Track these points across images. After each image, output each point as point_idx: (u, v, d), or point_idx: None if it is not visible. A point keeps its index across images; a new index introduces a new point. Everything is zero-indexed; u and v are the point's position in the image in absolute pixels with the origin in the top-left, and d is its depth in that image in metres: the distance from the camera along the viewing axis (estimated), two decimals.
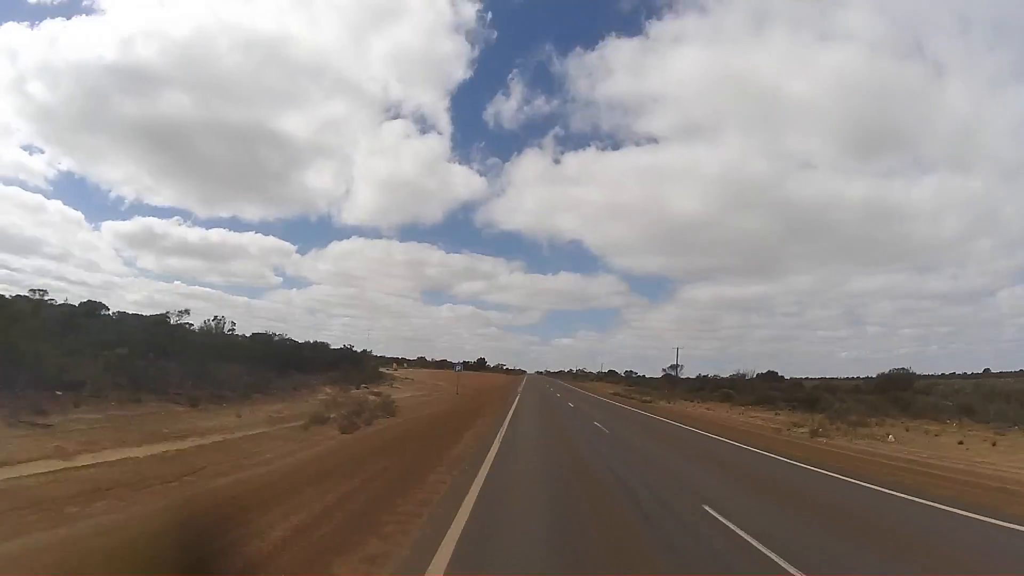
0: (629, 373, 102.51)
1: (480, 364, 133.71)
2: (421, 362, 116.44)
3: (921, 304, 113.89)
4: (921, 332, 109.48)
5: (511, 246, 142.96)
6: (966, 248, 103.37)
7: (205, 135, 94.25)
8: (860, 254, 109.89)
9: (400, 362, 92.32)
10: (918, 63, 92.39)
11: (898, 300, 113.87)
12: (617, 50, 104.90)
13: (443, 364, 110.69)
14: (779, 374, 57.13)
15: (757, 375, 52.17)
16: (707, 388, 51.11)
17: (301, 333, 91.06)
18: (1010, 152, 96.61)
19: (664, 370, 75.77)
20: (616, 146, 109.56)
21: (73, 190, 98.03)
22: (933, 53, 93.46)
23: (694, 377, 65.47)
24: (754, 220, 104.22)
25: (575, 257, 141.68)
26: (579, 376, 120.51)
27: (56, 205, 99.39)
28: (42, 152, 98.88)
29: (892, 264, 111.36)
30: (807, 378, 57.85)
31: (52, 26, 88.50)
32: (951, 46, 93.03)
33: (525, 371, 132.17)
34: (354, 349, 55.49)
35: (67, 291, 72.08)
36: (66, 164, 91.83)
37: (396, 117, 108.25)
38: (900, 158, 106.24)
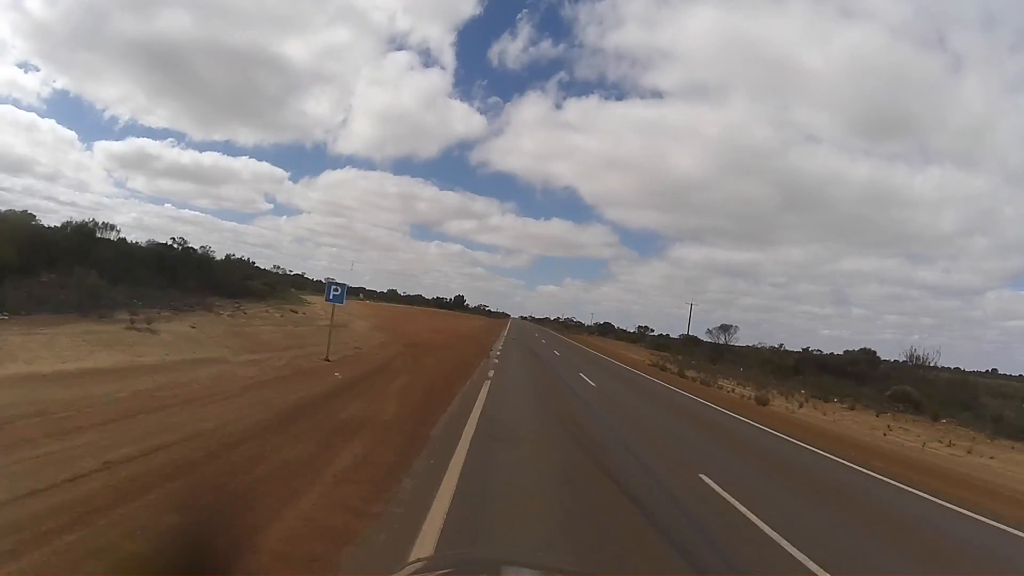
0: (645, 329, 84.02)
1: (458, 302, 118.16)
2: (392, 296, 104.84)
3: (908, 292, 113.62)
4: (905, 320, 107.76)
5: (505, 188, 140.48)
6: (961, 244, 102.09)
7: (204, 56, 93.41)
8: (854, 234, 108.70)
9: (362, 294, 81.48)
10: (937, 54, 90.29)
11: (886, 285, 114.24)
12: (631, 0, 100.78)
13: (416, 301, 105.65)
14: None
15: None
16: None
17: (288, 261, 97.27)
18: (1018, 155, 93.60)
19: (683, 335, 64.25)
20: (620, 97, 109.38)
21: (67, 109, 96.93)
22: (954, 46, 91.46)
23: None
24: (752, 186, 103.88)
25: (568, 204, 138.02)
26: (571, 327, 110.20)
27: (49, 124, 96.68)
28: (37, 70, 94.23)
29: (885, 249, 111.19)
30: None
31: None
32: (973, 42, 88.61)
33: (509, 315, 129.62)
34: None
35: (56, 211, 75.27)
36: (61, 82, 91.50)
37: (400, 48, 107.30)
38: (906, 145, 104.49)
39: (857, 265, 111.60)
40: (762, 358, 42.55)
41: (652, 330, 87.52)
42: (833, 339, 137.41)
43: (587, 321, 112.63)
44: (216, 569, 2.48)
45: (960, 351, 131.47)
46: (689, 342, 57.86)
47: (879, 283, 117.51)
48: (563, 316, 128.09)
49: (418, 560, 2.81)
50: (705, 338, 58.40)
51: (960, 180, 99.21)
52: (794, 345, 65.69)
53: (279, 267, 58.22)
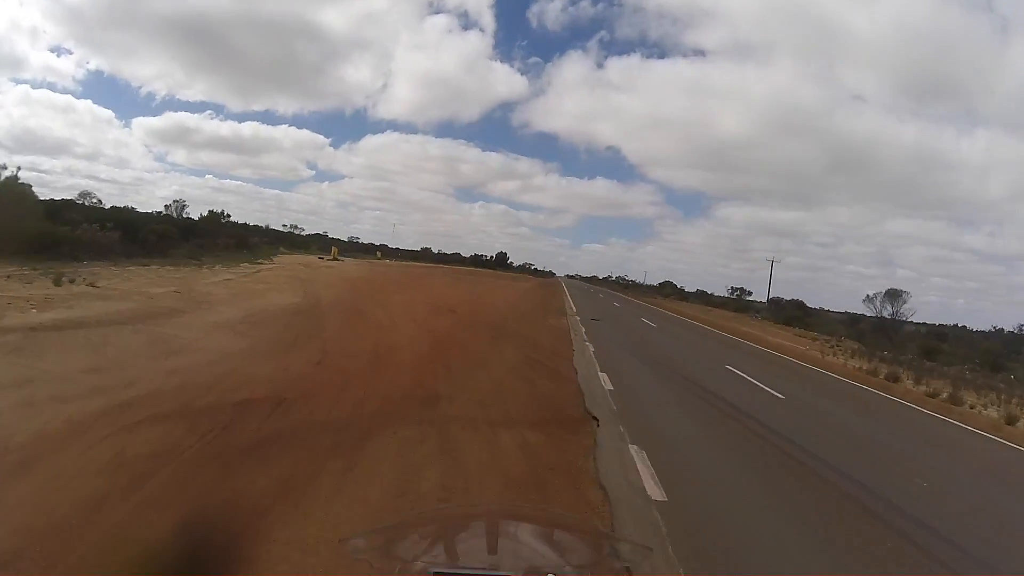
0: (740, 292, 65.28)
1: (500, 260, 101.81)
2: (424, 254, 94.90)
3: (953, 255, 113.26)
4: (951, 284, 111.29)
5: (548, 148, 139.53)
6: (1008, 208, 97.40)
7: (240, 28, 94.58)
8: (900, 196, 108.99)
9: (383, 251, 77.67)
10: (986, 16, 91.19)
11: (931, 248, 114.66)
12: None
13: (452, 260, 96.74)
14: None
15: None
16: None
17: (332, 227, 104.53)
18: None
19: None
20: (662, 55, 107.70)
21: (103, 89, 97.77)
22: (1003, 9, 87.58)
23: None
24: (798, 147, 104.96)
25: (612, 164, 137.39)
26: (629, 287, 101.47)
27: (86, 104, 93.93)
28: (71, 53, 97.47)
29: (931, 211, 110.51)
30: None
31: None
32: (1022, 5, 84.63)
33: (555, 274, 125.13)
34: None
35: (98, 189, 70.26)
36: (95, 63, 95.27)
37: (439, 12, 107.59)
38: (953, 107, 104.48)
39: (902, 227, 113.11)
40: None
41: (749, 292, 68.72)
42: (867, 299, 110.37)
43: (640, 279, 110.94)
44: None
45: (1004, 315, 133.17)
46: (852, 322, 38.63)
47: (924, 245, 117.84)
48: (614, 275, 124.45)
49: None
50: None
51: (1008, 144, 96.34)
52: (838, 306, 65.01)
53: (293, 226, 62.77)
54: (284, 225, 74.08)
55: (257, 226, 62.36)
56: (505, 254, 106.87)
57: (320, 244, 58.86)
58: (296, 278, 21.83)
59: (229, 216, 45.45)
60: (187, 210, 39.14)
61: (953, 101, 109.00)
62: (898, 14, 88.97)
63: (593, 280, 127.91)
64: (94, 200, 32.42)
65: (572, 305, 30.67)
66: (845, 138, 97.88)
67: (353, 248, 75.92)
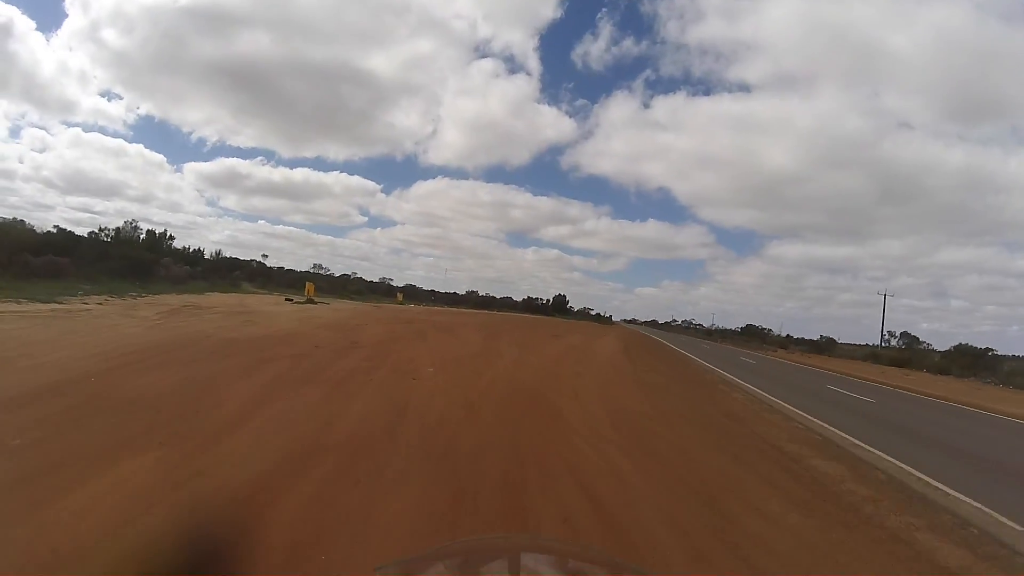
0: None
1: (558, 305, 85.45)
2: (468, 298, 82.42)
3: (1006, 282, 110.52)
4: (1004, 311, 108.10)
5: (598, 191, 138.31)
6: None
7: (287, 75, 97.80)
8: (952, 224, 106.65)
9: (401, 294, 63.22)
10: None
11: (985, 275, 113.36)
12: None
13: (500, 304, 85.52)
14: None
15: None
16: None
17: (383, 272, 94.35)
18: None
19: None
20: (707, 92, 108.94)
21: (154, 133, 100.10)
22: None
23: None
24: (847, 179, 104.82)
25: (663, 205, 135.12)
26: (712, 333, 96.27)
27: (137, 148, 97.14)
28: (120, 98, 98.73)
29: (983, 237, 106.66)
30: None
31: None
32: None
33: (612, 319, 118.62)
34: None
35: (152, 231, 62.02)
36: (145, 108, 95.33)
37: (484, 56, 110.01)
38: (999, 126, 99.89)
39: (954, 256, 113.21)
40: None
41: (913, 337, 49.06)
42: (933, 333, 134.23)
43: (708, 322, 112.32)
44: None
45: None
46: None
47: (977, 273, 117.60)
48: (675, 319, 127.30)
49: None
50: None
51: None
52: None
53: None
54: (313, 267, 67.41)
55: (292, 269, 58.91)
56: (564, 297, 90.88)
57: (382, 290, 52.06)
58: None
59: (173, 238, 32.06)
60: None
61: (999, 120, 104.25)
62: (937, 32, 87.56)
63: (654, 325, 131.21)
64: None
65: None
66: (893, 167, 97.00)
67: (376, 290, 61.91)
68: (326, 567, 2.78)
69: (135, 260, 22.47)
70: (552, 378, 10.88)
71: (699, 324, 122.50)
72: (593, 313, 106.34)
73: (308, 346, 11.31)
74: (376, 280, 72.79)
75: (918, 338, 54.23)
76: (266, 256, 64.34)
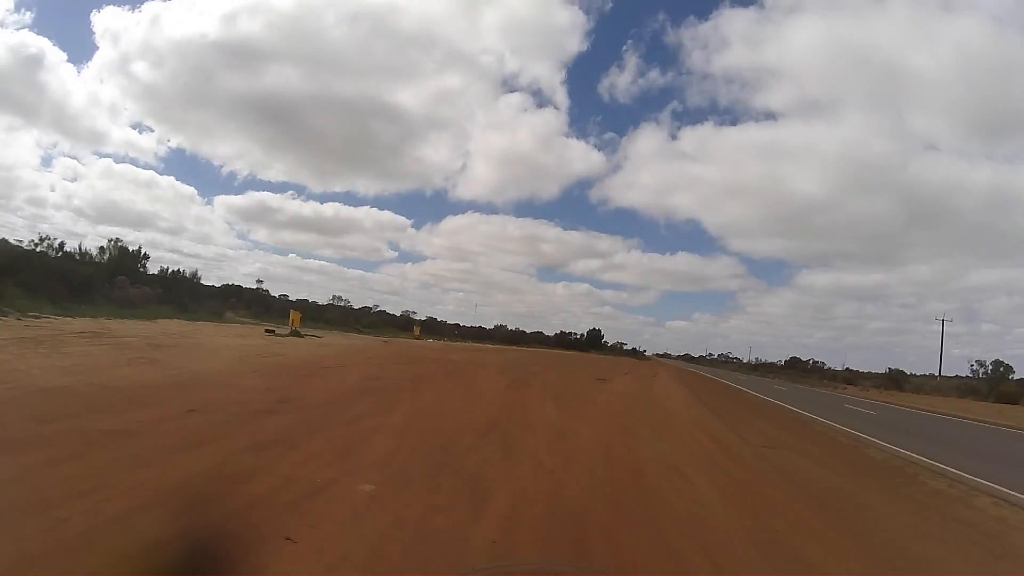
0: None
1: (593, 340, 79.66)
2: (496, 333, 76.90)
3: None
4: None
5: (628, 224, 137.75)
6: None
7: (316, 109, 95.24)
8: (980, 246, 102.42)
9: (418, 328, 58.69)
10: None
11: (1015, 297, 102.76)
12: (731, 20, 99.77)
13: (530, 340, 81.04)
14: None
15: None
16: None
17: (414, 306, 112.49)
18: None
19: None
20: (734, 122, 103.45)
21: (185, 166, 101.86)
22: None
23: None
24: (875, 204, 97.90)
25: (692, 237, 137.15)
26: (757, 367, 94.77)
27: (168, 180, 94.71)
28: (151, 131, 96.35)
29: (1012, 258, 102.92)
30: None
31: (152, 7, 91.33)
32: None
33: (646, 352, 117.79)
34: None
35: (181, 263, 78.19)
36: (176, 141, 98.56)
37: (513, 91, 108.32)
38: None
39: (984, 278, 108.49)
40: None
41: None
42: (963, 358, 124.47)
43: (743, 356, 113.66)
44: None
45: None
46: None
47: (1008, 295, 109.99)
48: (711, 352, 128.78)
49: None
50: None
51: None
52: (926, 368, 66.90)
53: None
54: (332, 298, 65.56)
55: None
56: (599, 332, 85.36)
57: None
58: None
59: (147, 257, 27.93)
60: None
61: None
62: (959, 49, 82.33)
63: (688, 359, 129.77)
64: None
65: None
66: (920, 191, 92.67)
67: (395, 324, 57.58)
68: None
69: (68, 275, 18.12)
70: (634, 484, 5.47)
71: (736, 357, 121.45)
72: (626, 348, 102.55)
73: (181, 408, 6.24)
74: (397, 314, 69.22)
75: (1011, 366, 46.82)
76: (260, 281, 61.79)
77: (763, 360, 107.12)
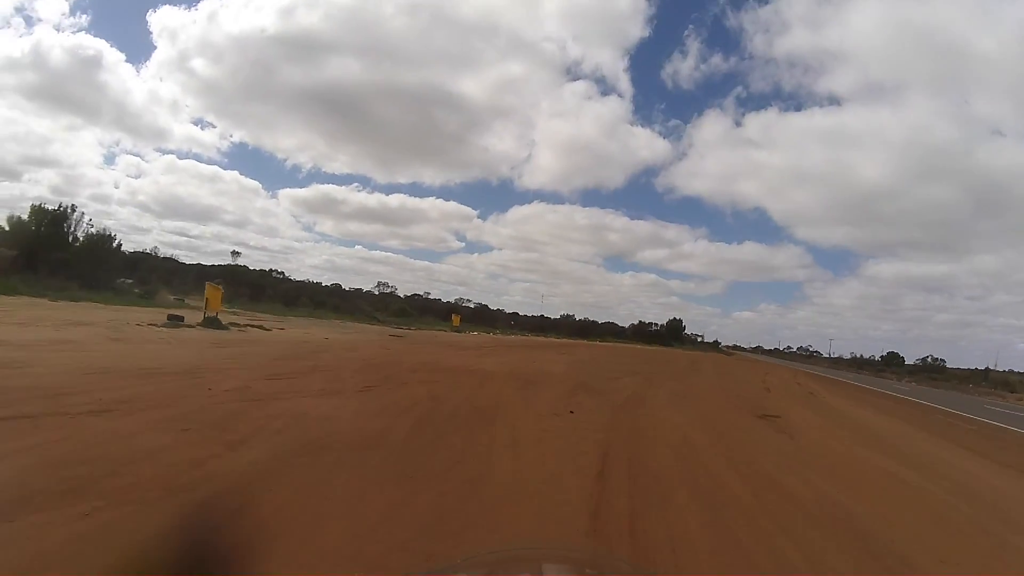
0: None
1: (673, 331, 68.98)
2: (560, 323, 70.60)
3: None
4: None
5: (694, 213, 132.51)
6: None
7: (379, 100, 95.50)
8: None
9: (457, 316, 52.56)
10: None
11: None
12: (791, 2, 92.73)
13: (598, 331, 71.07)
14: None
15: None
16: None
17: (482, 297, 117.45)
18: None
19: None
20: (798, 107, 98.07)
21: (248, 160, 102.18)
22: None
23: None
24: (941, 191, 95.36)
25: (759, 226, 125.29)
26: (863, 364, 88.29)
27: (232, 175, 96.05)
28: (213, 126, 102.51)
29: None
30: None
31: (209, 4, 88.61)
32: None
33: (720, 344, 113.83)
34: None
35: (248, 256, 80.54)
36: (239, 136, 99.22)
37: (576, 79, 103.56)
38: None
39: None
40: None
41: None
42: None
43: (823, 349, 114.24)
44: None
45: None
46: None
47: None
48: (789, 345, 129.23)
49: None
50: None
51: None
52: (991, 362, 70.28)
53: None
54: (377, 284, 62.06)
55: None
56: (680, 322, 75.99)
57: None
58: None
59: (120, 245, 20.71)
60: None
61: None
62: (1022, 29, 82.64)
63: (760, 351, 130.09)
64: None
65: None
66: (987, 177, 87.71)
67: (427, 308, 50.18)
68: None
69: None
70: None
71: (816, 351, 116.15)
72: (701, 340, 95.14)
73: None
74: (451, 302, 62.70)
75: None
76: (237, 253, 55.34)
77: (852, 354, 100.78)
